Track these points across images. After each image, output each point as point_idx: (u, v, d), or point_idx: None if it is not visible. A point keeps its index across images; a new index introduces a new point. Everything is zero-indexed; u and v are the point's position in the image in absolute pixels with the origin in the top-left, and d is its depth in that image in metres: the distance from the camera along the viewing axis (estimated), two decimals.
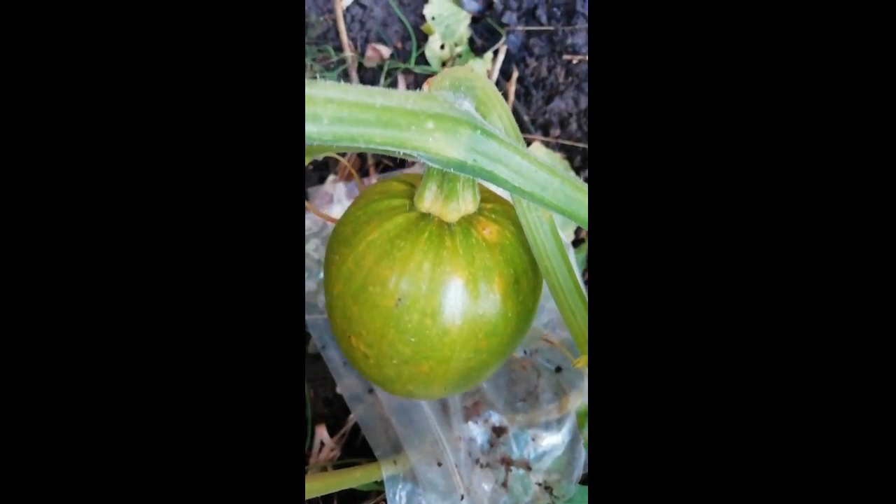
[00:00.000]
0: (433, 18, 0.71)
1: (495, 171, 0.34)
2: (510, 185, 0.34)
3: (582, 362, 0.36)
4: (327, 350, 0.59)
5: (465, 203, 0.40)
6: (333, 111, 0.28)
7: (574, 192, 0.35)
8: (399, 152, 0.32)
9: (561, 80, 0.70)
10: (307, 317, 0.61)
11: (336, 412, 0.59)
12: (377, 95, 0.29)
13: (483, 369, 0.42)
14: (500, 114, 0.37)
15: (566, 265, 0.39)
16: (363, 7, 0.73)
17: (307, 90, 0.27)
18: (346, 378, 0.57)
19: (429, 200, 0.39)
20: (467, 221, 0.40)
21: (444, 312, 0.37)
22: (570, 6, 0.73)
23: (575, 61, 0.71)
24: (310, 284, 0.63)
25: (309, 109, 0.27)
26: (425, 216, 0.39)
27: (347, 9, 0.72)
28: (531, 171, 0.34)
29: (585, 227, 0.37)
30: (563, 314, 0.39)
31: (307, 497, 0.50)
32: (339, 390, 0.59)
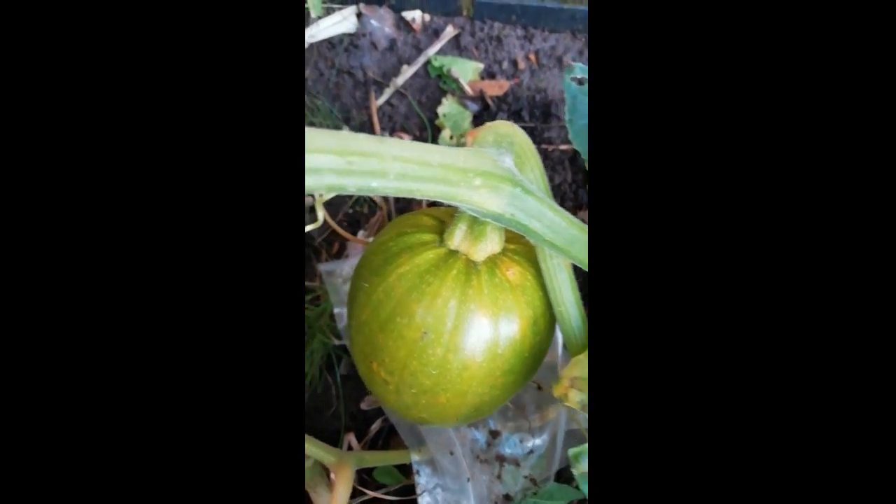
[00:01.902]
0: (444, 115, 0.93)
1: (530, 225, 0.38)
2: (542, 239, 0.39)
3: (557, 390, 0.41)
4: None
5: (493, 244, 0.45)
6: (399, 167, 0.31)
7: None
8: (448, 203, 0.34)
9: (543, 162, 0.88)
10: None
11: (360, 424, 0.78)
12: (435, 153, 0.33)
13: (495, 404, 0.47)
14: (534, 167, 0.41)
15: (580, 312, 0.43)
16: (392, 105, 0.97)
17: (377, 147, 0.30)
18: None
19: (458, 239, 0.44)
20: (492, 261, 0.45)
21: (466, 348, 0.42)
22: (546, 109, 0.97)
23: (550, 149, 0.93)
24: (344, 314, 0.75)
25: (377, 165, 0.30)
26: (454, 253, 0.44)
27: (380, 107, 0.95)
28: (562, 226, 0.38)
29: None
30: (570, 347, 0.44)
31: (362, 466, 0.68)
32: (363, 406, 0.78)
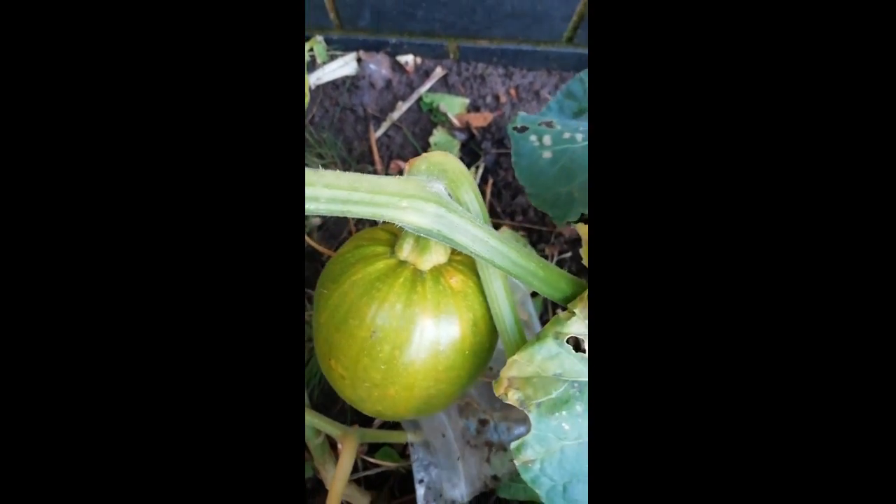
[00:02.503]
0: (435, 144, 1.04)
1: (455, 239, 0.44)
2: (467, 249, 0.44)
3: (498, 389, 0.44)
4: None
5: (437, 255, 0.50)
6: (329, 193, 0.37)
7: (519, 258, 0.45)
8: (380, 221, 0.41)
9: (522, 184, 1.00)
10: None
11: (365, 419, 0.86)
12: (364, 181, 0.39)
13: (443, 397, 0.52)
14: (468, 190, 0.46)
15: (514, 315, 0.48)
16: (389, 137, 1.08)
17: (311, 177, 0.36)
18: None
19: (406, 251, 0.50)
20: (438, 270, 0.50)
21: (410, 346, 0.47)
22: None
23: None
24: None
25: (309, 191, 0.36)
26: (403, 263, 0.50)
27: (378, 138, 1.07)
28: (484, 239, 0.44)
29: (529, 286, 0.45)
30: (507, 350, 0.48)
31: (364, 440, 0.74)
32: None
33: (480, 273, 0.48)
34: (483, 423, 0.74)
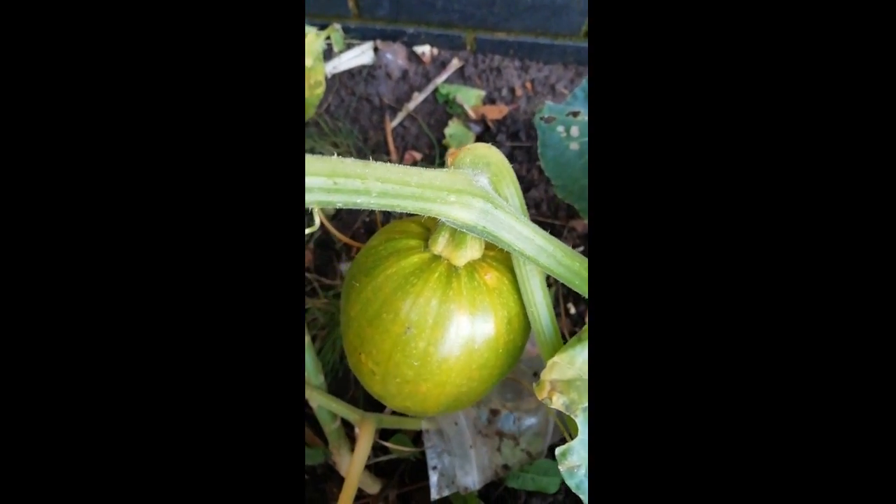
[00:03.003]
0: (450, 136, 1.02)
1: (499, 235, 0.42)
2: (511, 247, 0.43)
3: (540, 394, 0.43)
4: None
5: (472, 251, 0.48)
6: (380, 187, 0.36)
7: (564, 258, 0.43)
8: (424, 215, 0.39)
9: (535, 177, 1.00)
10: None
11: (377, 407, 0.83)
12: (414, 174, 0.38)
13: (472, 395, 0.50)
14: (509, 184, 0.45)
15: (550, 313, 0.47)
16: (404, 127, 1.06)
17: (362, 170, 0.35)
18: None
19: (441, 245, 0.48)
20: (472, 266, 0.48)
21: (445, 343, 0.45)
22: None
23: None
24: None
25: (361, 184, 0.35)
26: (437, 258, 0.48)
27: (394, 128, 1.05)
28: (529, 237, 0.42)
29: (571, 286, 0.44)
30: (543, 350, 0.47)
31: (381, 426, 0.73)
32: None
33: (517, 270, 0.46)
34: (494, 412, 0.75)
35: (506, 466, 0.74)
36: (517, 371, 0.78)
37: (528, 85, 1.06)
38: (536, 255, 0.43)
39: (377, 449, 0.82)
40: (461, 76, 1.06)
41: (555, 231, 0.95)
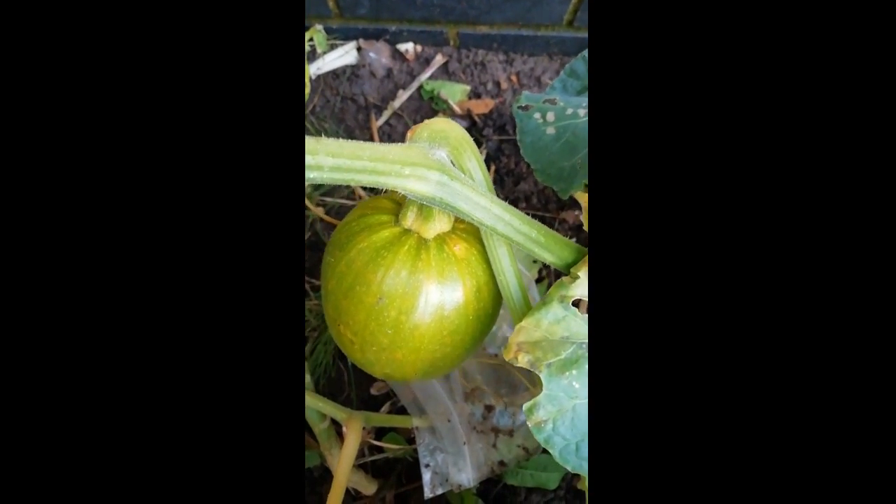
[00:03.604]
0: None
1: (457, 205, 0.43)
2: (470, 217, 0.44)
3: (507, 355, 0.45)
4: None
5: (441, 224, 0.50)
6: (332, 162, 0.37)
7: (522, 225, 0.45)
8: (383, 189, 0.41)
9: (524, 170, 1.02)
10: None
11: (371, 407, 0.86)
12: (367, 149, 0.39)
13: (448, 360, 0.52)
14: (470, 157, 0.46)
15: (518, 281, 0.49)
16: (390, 125, 1.07)
17: (313, 146, 0.37)
18: None
19: (410, 220, 0.50)
20: (441, 238, 0.50)
21: (416, 311, 0.47)
22: None
23: None
24: None
25: (312, 160, 0.37)
26: (407, 231, 0.50)
27: (380, 127, 1.06)
28: (487, 206, 0.44)
29: (530, 253, 0.46)
30: (512, 315, 0.48)
31: (369, 423, 0.74)
32: (373, 391, 0.85)
33: (485, 241, 0.48)
34: (489, 408, 0.75)
35: (502, 463, 0.73)
36: (513, 366, 0.77)
37: (514, 78, 1.07)
38: (494, 224, 0.44)
39: (372, 449, 0.82)
40: (446, 72, 1.07)
41: (545, 222, 0.95)
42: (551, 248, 0.47)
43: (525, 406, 0.42)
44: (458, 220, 0.52)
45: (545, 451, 0.75)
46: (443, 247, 0.49)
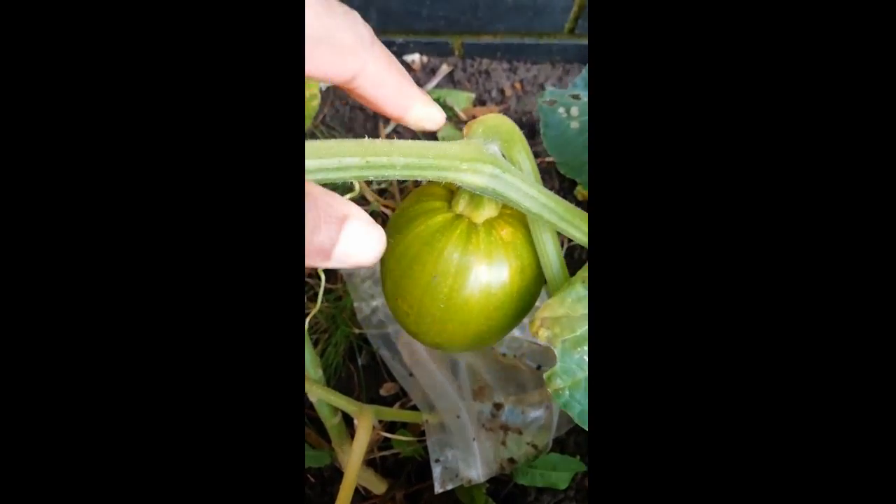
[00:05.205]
0: (443, 138, 1.05)
1: (508, 195, 0.46)
2: (519, 205, 0.47)
3: (532, 328, 0.47)
4: (381, 350, 0.84)
5: (489, 210, 0.53)
6: (403, 161, 0.41)
7: (566, 213, 0.48)
8: (443, 181, 0.45)
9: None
10: (369, 331, 0.85)
11: (378, 403, 0.86)
12: (431, 148, 0.42)
13: (493, 333, 0.55)
14: (520, 150, 0.49)
15: (560, 261, 0.52)
16: (398, 133, 1.08)
17: (388, 148, 0.39)
18: (396, 367, 0.83)
19: (462, 206, 0.53)
20: (490, 223, 0.53)
21: (465, 288, 0.51)
22: (532, 128, 1.10)
23: (538, 161, 1.20)
24: (363, 307, 0.86)
25: (387, 160, 0.40)
26: (459, 216, 0.53)
27: (388, 135, 1.07)
28: (535, 195, 0.48)
29: (573, 238, 0.50)
30: (553, 293, 0.51)
31: (380, 417, 0.74)
32: (382, 392, 0.87)
33: (530, 225, 0.51)
34: (498, 406, 0.76)
35: (512, 460, 0.73)
36: (522, 364, 0.79)
37: (518, 85, 1.10)
38: (541, 211, 0.47)
39: (383, 448, 0.82)
40: (451, 81, 1.09)
41: None
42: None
43: (546, 374, 0.45)
44: (504, 206, 0.54)
45: (554, 449, 0.77)
46: (491, 231, 0.52)
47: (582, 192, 1.03)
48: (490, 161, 0.46)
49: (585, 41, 1.08)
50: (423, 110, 0.46)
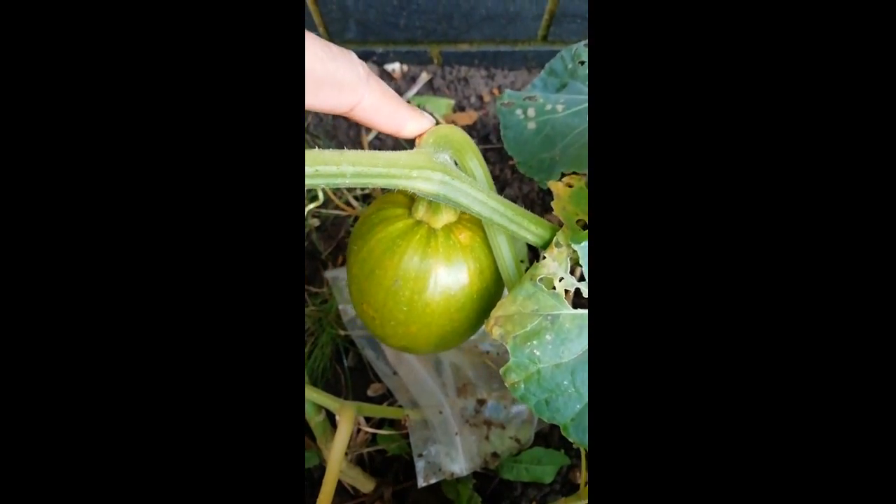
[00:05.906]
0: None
1: (458, 200, 0.47)
2: (470, 210, 0.48)
3: (486, 326, 0.47)
4: (366, 350, 0.85)
5: (448, 215, 0.54)
6: (353, 169, 0.41)
7: (515, 216, 0.49)
8: (395, 189, 0.46)
9: (509, 176, 1.06)
10: (354, 333, 0.86)
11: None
12: (381, 157, 0.43)
13: (456, 334, 0.56)
14: (472, 157, 0.50)
15: (515, 263, 0.53)
16: (380, 140, 1.08)
17: (337, 157, 0.40)
18: (381, 366, 0.84)
19: (421, 212, 0.54)
20: (449, 228, 0.54)
21: (426, 291, 0.52)
22: None
23: (516, 163, 1.06)
24: (348, 310, 0.87)
25: (336, 168, 0.40)
26: (419, 223, 0.54)
27: (370, 141, 1.07)
28: (483, 200, 0.49)
29: (522, 239, 0.51)
30: (510, 291, 0.52)
31: (362, 413, 0.75)
32: (369, 393, 0.86)
33: (486, 229, 0.52)
34: (481, 402, 0.76)
35: (495, 454, 0.73)
36: (505, 361, 0.81)
37: (496, 91, 1.11)
38: (491, 215, 0.48)
39: (370, 446, 0.80)
40: (431, 88, 1.10)
41: None
42: (540, 233, 0.51)
43: (501, 370, 0.46)
44: (463, 211, 0.55)
45: (539, 443, 0.77)
46: (450, 235, 0.53)
47: (555, 184, 1.03)
48: (440, 168, 0.47)
49: (559, 47, 1.09)
50: (415, 126, 0.49)
